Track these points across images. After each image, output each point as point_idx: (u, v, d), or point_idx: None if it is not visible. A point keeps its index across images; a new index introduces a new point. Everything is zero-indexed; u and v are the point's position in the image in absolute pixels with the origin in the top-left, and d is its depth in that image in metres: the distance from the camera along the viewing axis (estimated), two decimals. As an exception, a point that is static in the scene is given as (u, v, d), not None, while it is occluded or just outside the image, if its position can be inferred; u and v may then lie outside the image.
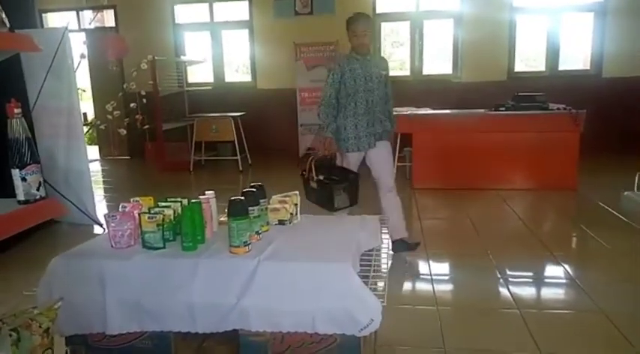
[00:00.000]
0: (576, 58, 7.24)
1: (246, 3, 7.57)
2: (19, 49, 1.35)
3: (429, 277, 3.22)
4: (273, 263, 1.71)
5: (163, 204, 2.01)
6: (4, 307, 1.30)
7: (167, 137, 6.89)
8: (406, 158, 5.86)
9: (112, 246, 1.92)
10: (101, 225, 4.27)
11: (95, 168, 7.46)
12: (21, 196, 1.24)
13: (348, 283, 1.63)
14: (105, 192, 6.12)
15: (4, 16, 1.17)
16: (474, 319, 2.66)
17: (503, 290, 2.96)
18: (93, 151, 8.33)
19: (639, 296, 2.81)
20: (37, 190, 1.26)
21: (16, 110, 1.21)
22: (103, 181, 6.80)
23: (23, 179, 1.23)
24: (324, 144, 3.34)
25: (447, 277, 3.33)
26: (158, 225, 1.87)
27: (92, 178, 4.63)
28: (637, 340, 2.32)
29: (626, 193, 1.17)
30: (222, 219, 2.08)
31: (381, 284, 1.96)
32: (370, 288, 1.79)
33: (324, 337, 1.65)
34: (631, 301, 2.74)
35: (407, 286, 3.21)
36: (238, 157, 6.88)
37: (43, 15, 8.09)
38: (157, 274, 1.77)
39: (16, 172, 1.22)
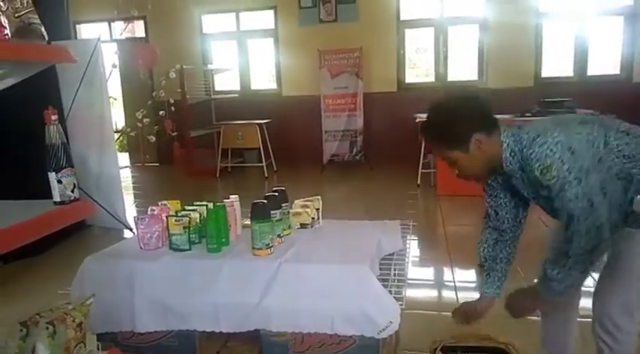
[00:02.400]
0: (606, 62, 7.09)
1: (272, 12, 7.69)
2: (56, 61, 1.44)
3: (452, 283, 3.21)
4: (294, 265, 1.76)
5: (190, 208, 2.09)
6: (42, 304, 1.38)
7: (195, 144, 7.04)
8: (430, 165, 5.85)
9: (140, 247, 2.01)
10: (131, 229, 4.40)
11: (125, 174, 7.67)
12: (57, 198, 1.31)
13: (367, 285, 1.67)
14: (135, 197, 6.30)
15: (43, 29, 1.25)
16: (496, 326, 2.64)
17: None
18: (123, 158, 8.56)
19: None
20: (72, 191, 1.33)
21: (53, 117, 1.28)
22: (133, 187, 6.99)
23: (59, 182, 1.30)
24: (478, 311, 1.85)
25: (470, 284, 3.31)
26: (185, 227, 1.94)
27: (122, 184, 4.78)
28: None
29: (638, 197, 1.16)
30: (246, 222, 2.14)
31: (400, 288, 1.98)
32: (390, 291, 1.82)
33: (344, 339, 1.69)
34: None
35: (430, 292, 3.21)
36: (264, 163, 6.97)
37: (77, 26, 8.40)
38: (182, 275, 1.83)
39: (52, 175, 1.29)
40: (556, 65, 7.23)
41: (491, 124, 1.51)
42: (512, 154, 1.48)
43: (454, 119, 1.50)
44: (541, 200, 1.53)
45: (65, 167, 1.31)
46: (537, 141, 1.41)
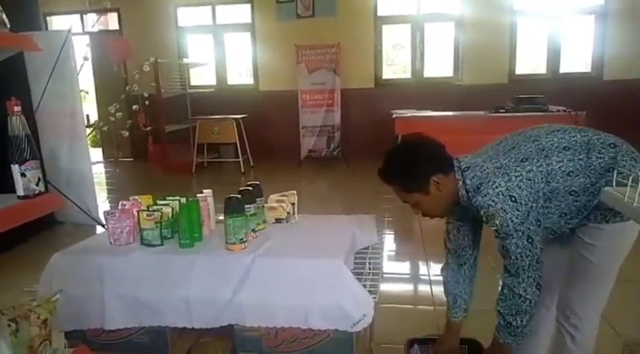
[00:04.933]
0: (577, 60, 7.25)
1: (249, 6, 7.62)
2: (18, 49, 1.39)
3: (427, 277, 3.24)
4: (268, 260, 1.74)
5: (162, 202, 2.05)
6: (6, 302, 1.34)
7: (170, 139, 6.94)
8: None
9: (111, 243, 1.96)
10: (103, 225, 4.30)
11: (98, 170, 7.52)
12: (20, 191, 1.26)
13: (341, 279, 1.66)
14: (108, 193, 6.17)
15: (4, 16, 1.21)
16: (471, 320, 2.68)
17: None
18: (96, 154, 8.39)
19: (625, 290, 2.82)
20: (37, 185, 1.29)
21: (15, 108, 1.24)
22: (106, 183, 6.85)
23: (23, 175, 1.26)
24: None
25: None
26: (156, 222, 1.90)
27: (95, 180, 4.68)
28: (622, 330, 2.37)
29: (605, 188, 1.19)
30: (220, 218, 2.11)
31: (375, 282, 1.99)
32: (365, 285, 1.83)
33: (318, 333, 1.68)
34: (617, 295, 2.76)
35: (405, 286, 3.24)
36: (240, 158, 6.92)
37: (48, 18, 8.17)
38: (154, 271, 1.80)
39: (15, 168, 1.25)
40: (529, 63, 7.36)
41: (447, 164, 1.56)
42: (467, 191, 1.53)
43: (410, 165, 1.55)
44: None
45: (29, 160, 1.27)
46: (481, 190, 1.46)
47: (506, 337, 1.56)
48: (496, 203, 1.42)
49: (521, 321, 1.52)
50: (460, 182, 1.54)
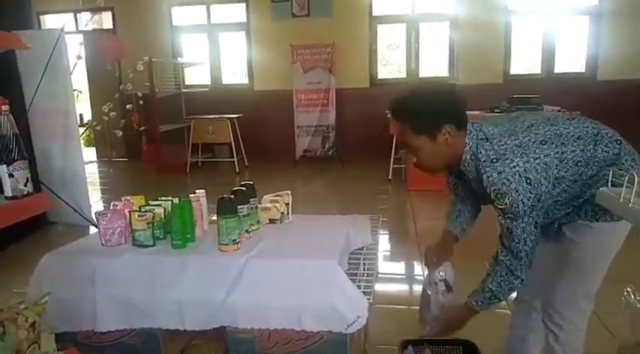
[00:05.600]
0: (572, 61, 7.27)
1: (244, 5, 7.59)
2: (5, 47, 1.37)
3: (422, 278, 3.23)
4: (261, 261, 1.72)
5: (154, 203, 2.03)
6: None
7: (164, 139, 6.90)
8: (401, 160, 5.88)
9: (102, 244, 1.94)
10: (96, 225, 4.28)
11: (92, 169, 7.47)
12: (8, 192, 1.24)
13: (335, 280, 1.65)
14: (102, 193, 6.13)
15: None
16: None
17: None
18: (90, 153, 8.34)
19: (616, 288, 2.82)
20: (25, 185, 1.26)
21: (3, 107, 1.22)
22: (100, 183, 6.81)
23: (10, 175, 1.23)
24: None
25: (439, 278, 3.33)
26: (148, 223, 1.88)
27: (89, 180, 4.64)
28: (617, 331, 2.36)
29: (601, 189, 1.18)
30: (213, 218, 2.09)
31: (370, 283, 1.97)
32: (359, 286, 1.81)
33: (311, 334, 1.67)
34: (613, 296, 2.76)
35: (400, 286, 3.23)
36: (235, 158, 6.89)
37: (41, 17, 8.11)
38: (146, 272, 1.78)
39: (3, 168, 1.22)
40: (524, 63, 7.37)
41: (462, 120, 1.51)
42: (472, 158, 1.49)
43: (430, 104, 1.49)
44: (488, 202, 1.55)
45: (17, 160, 1.25)
46: (495, 165, 1.41)
47: (483, 305, 1.59)
48: (511, 182, 1.38)
49: (508, 295, 1.56)
50: (467, 147, 1.49)
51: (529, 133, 1.46)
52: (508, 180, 1.38)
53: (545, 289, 1.70)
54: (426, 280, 1.89)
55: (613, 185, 1.14)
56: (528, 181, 1.37)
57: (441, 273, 1.82)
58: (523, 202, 1.38)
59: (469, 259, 3.56)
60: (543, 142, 1.43)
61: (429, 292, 1.84)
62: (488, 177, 1.42)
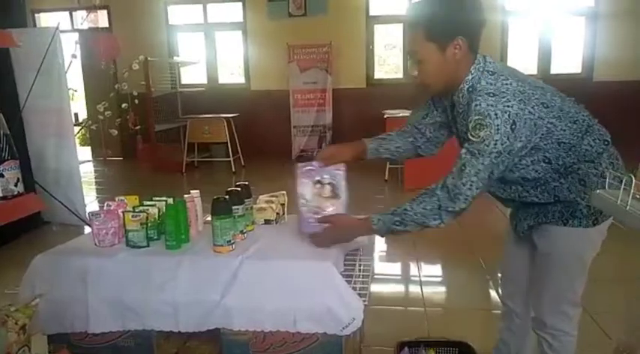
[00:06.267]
0: (568, 61, 7.28)
1: (240, 4, 7.58)
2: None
3: (418, 278, 3.23)
4: (256, 262, 1.71)
5: (148, 203, 2.01)
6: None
7: (160, 138, 6.88)
8: (397, 161, 5.87)
9: (95, 244, 1.92)
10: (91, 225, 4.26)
11: (87, 169, 7.44)
12: (-2, 192, 1.23)
13: (330, 281, 1.63)
14: (97, 193, 6.10)
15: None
16: (462, 321, 2.67)
17: (492, 291, 2.97)
18: (85, 152, 8.30)
19: (614, 292, 2.83)
20: (15, 186, 1.25)
21: (-6, 107, 1.20)
22: (95, 182, 6.78)
23: (1, 175, 1.22)
24: None
25: (435, 279, 3.33)
26: (142, 224, 1.86)
27: (84, 179, 4.61)
28: (612, 332, 2.37)
29: (597, 191, 1.16)
30: (208, 219, 2.07)
31: (365, 284, 1.96)
32: (354, 287, 1.80)
33: (306, 336, 1.65)
34: (606, 296, 2.76)
35: (396, 287, 3.22)
36: (231, 158, 6.88)
37: (36, 15, 8.08)
38: (139, 273, 1.76)
39: (-7, 168, 1.21)
40: (521, 63, 7.37)
41: (476, 40, 1.47)
42: (470, 90, 1.44)
43: (449, 10, 1.42)
44: (462, 140, 1.51)
45: (7, 160, 1.23)
46: (490, 99, 1.35)
47: (384, 226, 1.54)
48: (497, 118, 1.31)
49: (415, 228, 1.49)
50: (470, 76, 1.44)
51: (536, 91, 1.41)
52: (495, 115, 1.31)
53: (530, 299, 1.68)
54: (308, 177, 1.76)
55: (582, 184, 1.08)
56: (513, 126, 1.32)
57: (326, 176, 1.73)
58: (496, 143, 1.32)
59: (464, 253, 3.56)
60: (545, 105, 1.39)
61: (305, 194, 1.74)
62: (476, 105, 1.36)
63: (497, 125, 1.31)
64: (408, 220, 1.48)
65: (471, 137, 1.36)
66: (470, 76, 1.44)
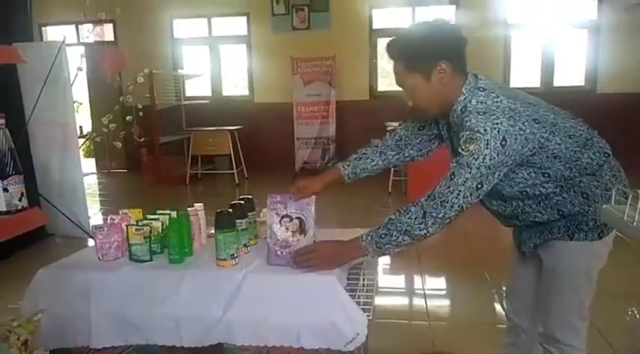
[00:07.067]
0: (571, 74, 7.30)
1: (245, 18, 7.65)
2: (1, 61, 1.36)
3: (422, 291, 3.20)
4: (259, 276, 1.70)
5: (152, 216, 2.01)
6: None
7: (164, 150, 6.90)
8: (402, 172, 5.87)
9: (99, 258, 1.91)
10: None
11: (92, 181, 7.46)
12: (2, 207, 1.22)
13: (334, 296, 1.62)
14: (100, 205, 6.11)
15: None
16: (467, 335, 2.64)
17: (498, 305, 2.94)
18: (90, 165, 8.33)
19: (619, 304, 2.79)
20: (19, 200, 1.25)
21: (-1, 121, 1.20)
22: (99, 194, 6.79)
23: (5, 190, 1.22)
24: None
25: (440, 292, 3.31)
26: (145, 237, 1.86)
27: (88, 191, 4.63)
28: (619, 346, 2.35)
29: (604, 206, 1.16)
30: (211, 232, 2.07)
31: (369, 298, 1.95)
32: (358, 302, 1.78)
33: (310, 352, 1.63)
34: (611, 307, 2.73)
35: (400, 300, 3.19)
36: (235, 170, 6.89)
37: (43, 29, 8.17)
38: (142, 287, 1.75)
39: (-3, 183, 1.21)
40: (523, 76, 7.40)
41: (459, 62, 1.48)
42: (462, 110, 1.45)
43: (423, 40, 1.45)
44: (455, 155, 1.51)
45: (12, 174, 1.23)
46: (480, 117, 1.37)
47: (372, 243, 1.54)
48: (487, 133, 1.33)
49: (401, 241, 1.48)
50: (462, 97, 1.45)
51: (528, 107, 1.42)
52: (485, 130, 1.33)
53: (538, 315, 1.67)
54: (276, 210, 1.76)
55: (585, 197, 1.08)
56: (504, 142, 1.33)
57: (293, 210, 1.72)
58: (484, 157, 1.33)
59: (468, 266, 3.53)
60: (536, 121, 1.39)
61: (272, 226, 1.73)
62: (467, 122, 1.39)
63: (487, 140, 1.33)
64: (392, 229, 1.49)
65: (461, 151, 1.38)
66: (462, 97, 1.46)
